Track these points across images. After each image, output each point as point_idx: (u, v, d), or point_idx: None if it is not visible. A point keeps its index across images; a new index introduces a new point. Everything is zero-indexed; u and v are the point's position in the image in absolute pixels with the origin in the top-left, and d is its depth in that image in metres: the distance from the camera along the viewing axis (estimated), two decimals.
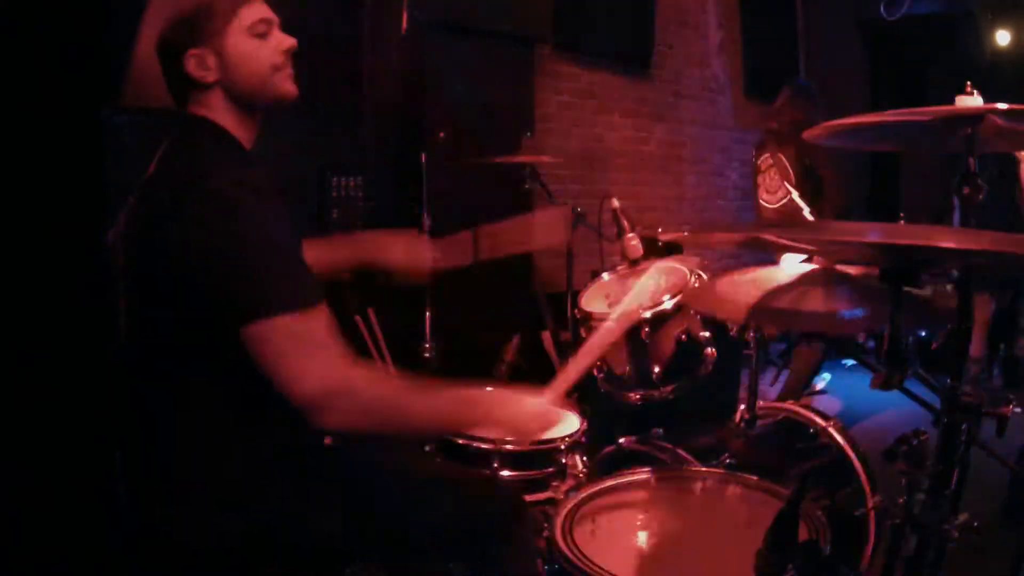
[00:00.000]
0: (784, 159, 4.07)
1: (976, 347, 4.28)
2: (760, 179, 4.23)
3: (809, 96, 4.16)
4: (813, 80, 5.67)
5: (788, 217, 4.02)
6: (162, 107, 1.48)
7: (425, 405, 1.35)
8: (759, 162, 4.24)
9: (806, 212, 4.00)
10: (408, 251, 1.85)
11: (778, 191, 4.11)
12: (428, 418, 1.37)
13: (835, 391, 4.44)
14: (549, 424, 1.51)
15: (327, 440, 1.48)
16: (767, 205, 4.18)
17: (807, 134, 1.49)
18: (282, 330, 1.20)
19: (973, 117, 1.33)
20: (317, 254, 1.59)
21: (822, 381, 4.34)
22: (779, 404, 2.18)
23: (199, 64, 1.35)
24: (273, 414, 1.33)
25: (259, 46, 1.38)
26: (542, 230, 2.10)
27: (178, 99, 1.41)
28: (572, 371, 1.53)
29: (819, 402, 3.96)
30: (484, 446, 1.87)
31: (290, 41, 1.42)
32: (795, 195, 4.01)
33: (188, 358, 1.30)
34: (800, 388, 3.89)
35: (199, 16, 1.35)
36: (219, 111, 1.38)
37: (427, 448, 1.93)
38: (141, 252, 1.32)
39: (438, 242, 1.93)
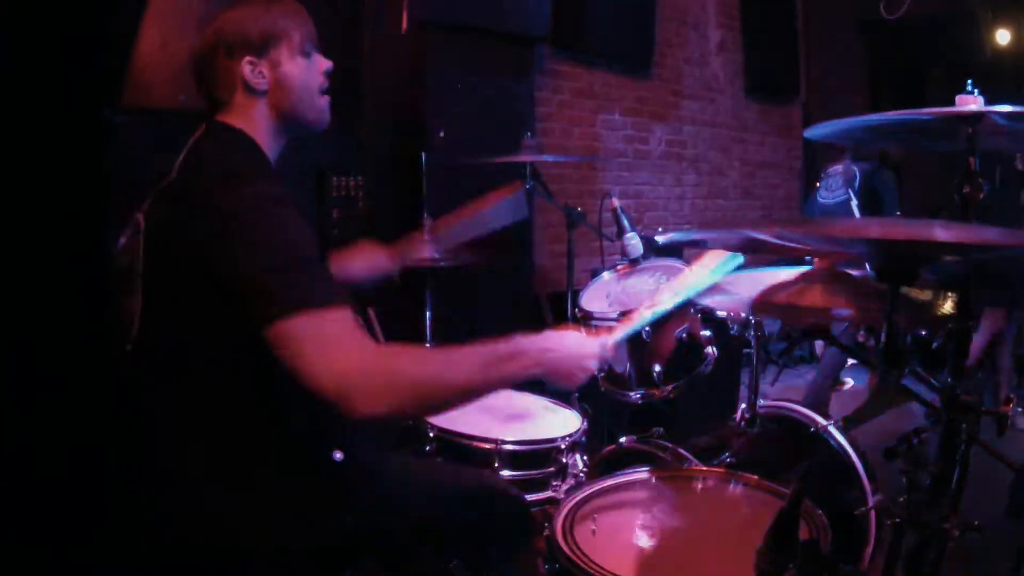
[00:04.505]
0: (856, 170, 4.55)
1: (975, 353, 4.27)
2: (823, 181, 4.75)
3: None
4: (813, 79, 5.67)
5: (838, 215, 4.49)
6: (168, 109, 1.48)
7: (459, 368, 1.29)
8: (829, 169, 4.75)
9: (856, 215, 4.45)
10: (366, 264, 1.89)
11: (837, 193, 4.60)
12: (465, 381, 1.29)
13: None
14: (591, 358, 1.42)
15: (337, 455, 1.45)
16: (824, 203, 4.65)
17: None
18: (303, 327, 1.19)
19: (973, 117, 1.32)
20: None
21: (850, 380, 4.64)
22: (780, 403, 2.17)
23: (253, 71, 1.38)
24: (278, 416, 1.34)
25: (307, 66, 1.43)
26: (496, 210, 2.08)
27: (214, 103, 1.41)
28: (627, 324, 1.55)
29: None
30: (484, 446, 1.88)
31: (328, 63, 1.46)
32: (854, 204, 4.47)
33: (198, 359, 1.30)
34: (828, 387, 4.09)
35: (261, 32, 1.38)
36: (256, 123, 1.40)
37: (427, 448, 1.94)
38: (164, 252, 1.31)
39: (396, 245, 1.95)
